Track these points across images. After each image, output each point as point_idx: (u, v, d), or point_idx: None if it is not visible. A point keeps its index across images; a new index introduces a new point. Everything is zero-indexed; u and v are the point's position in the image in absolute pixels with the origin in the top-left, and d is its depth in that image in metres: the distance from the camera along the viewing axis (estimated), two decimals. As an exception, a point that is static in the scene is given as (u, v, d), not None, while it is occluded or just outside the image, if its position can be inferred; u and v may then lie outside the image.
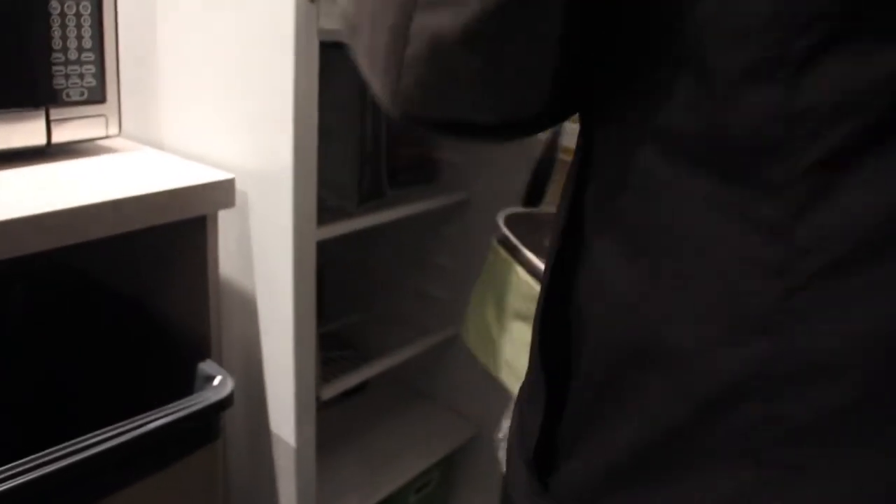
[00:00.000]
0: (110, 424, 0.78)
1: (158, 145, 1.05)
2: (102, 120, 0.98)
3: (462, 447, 1.46)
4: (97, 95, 0.96)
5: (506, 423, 1.30)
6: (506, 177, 1.32)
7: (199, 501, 0.92)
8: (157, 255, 1.00)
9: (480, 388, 1.45)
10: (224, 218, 0.97)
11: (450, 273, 1.43)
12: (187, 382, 0.95)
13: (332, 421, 1.41)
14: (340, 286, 1.49)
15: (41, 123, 0.92)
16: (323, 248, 0.98)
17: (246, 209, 0.98)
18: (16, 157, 0.91)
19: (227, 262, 1.01)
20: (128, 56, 0.99)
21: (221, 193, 0.93)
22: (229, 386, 0.91)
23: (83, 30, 0.93)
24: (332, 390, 1.20)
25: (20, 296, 1.04)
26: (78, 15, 0.92)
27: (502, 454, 1.33)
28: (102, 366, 1.00)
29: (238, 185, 0.94)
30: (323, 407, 1.14)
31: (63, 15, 0.90)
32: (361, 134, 1.17)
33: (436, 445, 1.43)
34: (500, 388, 1.40)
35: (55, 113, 0.93)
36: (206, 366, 0.94)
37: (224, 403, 0.90)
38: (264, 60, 0.89)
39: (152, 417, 0.83)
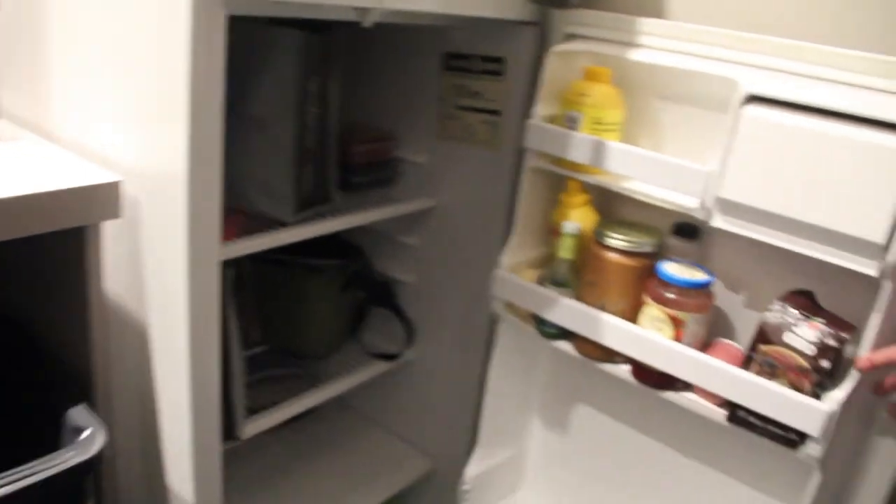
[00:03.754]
0: None
1: (46, 133, 0.87)
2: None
3: (415, 484, 1.29)
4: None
5: (472, 470, 1.13)
6: (472, 182, 1.14)
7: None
8: (24, 275, 0.82)
9: (438, 419, 1.28)
10: (111, 230, 0.79)
11: (410, 290, 1.25)
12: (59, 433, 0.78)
13: (270, 451, 1.24)
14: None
15: None
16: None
17: (137, 219, 0.80)
18: None
19: (117, 283, 0.83)
20: (9, 19, 0.81)
21: (105, 200, 0.75)
22: (98, 441, 0.74)
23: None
24: (258, 426, 1.03)
25: None
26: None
27: (466, 504, 1.16)
28: None
29: (129, 190, 0.76)
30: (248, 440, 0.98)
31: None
32: (300, 127, 0.99)
33: (385, 482, 1.25)
34: (460, 420, 1.24)
35: None
36: (77, 413, 0.77)
37: (91, 463, 0.72)
38: (153, 34, 0.71)
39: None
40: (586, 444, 1.12)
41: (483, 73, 1.10)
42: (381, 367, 1.23)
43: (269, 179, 0.99)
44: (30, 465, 0.69)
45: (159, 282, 0.79)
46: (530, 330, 1.02)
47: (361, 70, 1.20)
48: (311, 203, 1.03)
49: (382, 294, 1.25)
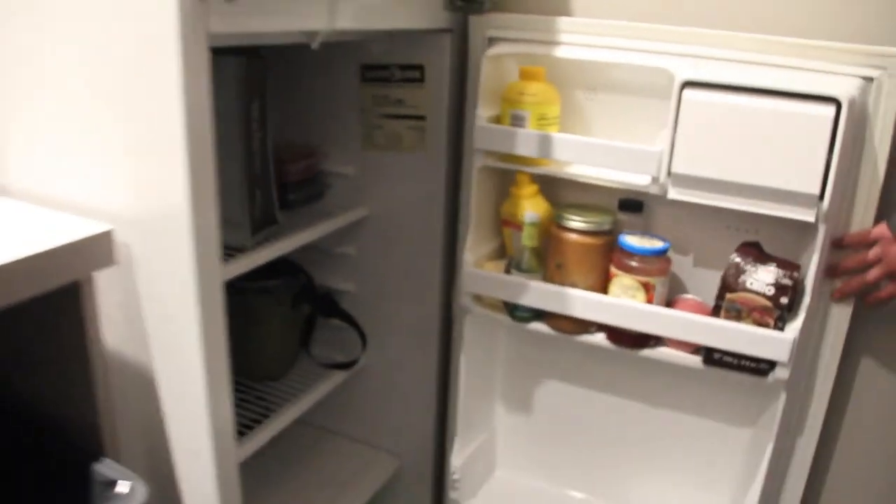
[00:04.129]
0: None
1: (4, 191, 0.80)
2: None
3: (386, 484, 1.31)
4: None
5: (456, 460, 1.18)
6: (404, 188, 1.17)
7: None
8: (20, 338, 0.75)
9: (398, 418, 1.31)
10: (102, 280, 0.75)
11: (350, 298, 1.26)
12: (82, 492, 0.73)
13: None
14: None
15: None
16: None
17: (129, 264, 0.76)
18: None
19: (112, 332, 0.78)
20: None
21: (98, 250, 0.71)
22: (141, 493, 0.70)
23: None
24: (246, 451, 1.01)
25: None
26: None
27: (455, 494, 1.20)
28: None
29: (118, 236, 0.72)
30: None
31: None
32: (248, 152, 0.97)
33: (358, 488, 1.26)
34: (420, 415, 1.28)
35: None
36: (105, 467, 0.72)
37: (138, 518, 0.69)
38: (143, 75, 0.68)
39: None
40: (551, 416, 1.21)
41: (403, 81, 1.14)
42: (339, 376, 1.23)
43: (223, 207, 0.96)
44: None
45: (163, 319, 0.77)
46: (494, 319, 1.08)
47: (282, 88, 1.18)
48: (262, 226, 1.02)
49: (329, 306, 1.25)
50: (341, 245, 1.24)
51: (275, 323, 1.16)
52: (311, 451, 1.34)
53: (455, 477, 1.17)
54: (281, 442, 1.30)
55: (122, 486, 0.71)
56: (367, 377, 1.29)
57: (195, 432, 0.79)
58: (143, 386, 0.80)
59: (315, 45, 0.88)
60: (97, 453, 0.74)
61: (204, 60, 0.67)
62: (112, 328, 0.79)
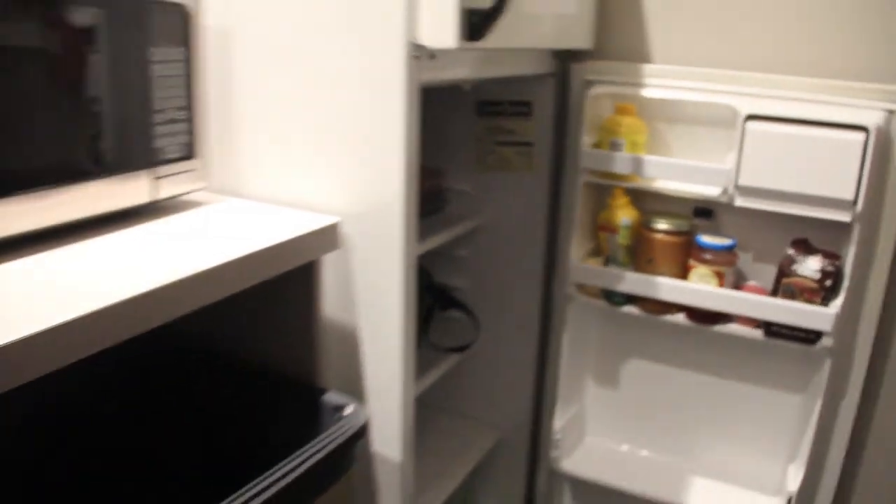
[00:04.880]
0: (259, 470, 0.79)
1: (237, 194, 1.08)
2: (194, 175, 1.01)
3: (486, 455, 1.56)
4: (189, 152, 0.99)
5: (557, 423, 1.43)
6: (513, 201, 1.45)
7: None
8: (268, 305, 1.03)
9: (500, 395, 1.57)
10: (326, 259, 1.03)
11: (462, 294, 1.53)
12: (312, 418, 0.99)
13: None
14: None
15: (145, 182, 0.94)
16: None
17: (347, 248, 1.04)
18: (123, 216, 0.92)
19: (328, 300, 1.06)
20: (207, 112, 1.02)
21: (328, 238, 0.99)
22: (363, 414, 0.97)
23: (178, 91, 0.96)
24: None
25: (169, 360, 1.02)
26: (174, 77, 0.95)
27: (556, 453, 1.46)
28: (234, 417, 1.02)
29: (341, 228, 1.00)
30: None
31: (162, 78, 0.93)
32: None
33: (463, 458, 1.51)
34: (520, 392, 1.53)
35: (159, 171, 0.95)
36: (332, 396, 0.99)
37: (362, 431, 0.95)
38: (373, 110, 0.96)
39: (306, 455, 0.85)
40: (633, 389, 1.47)
41: (513, 115, 1.42)
42: (453, 359, 1.49)
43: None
44: (324, 436, 0.89)
45: (370, 288, 1.03)
46: (591, 305, 1.35)
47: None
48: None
49: (447, 298, 1.52)
50: (457, 249, 1.52)
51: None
52: (422, 426, 1.59)
53: (557, 437, 1.42)
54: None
55: (349, 409, 0.97)
56: (474, 360, 1.56)
57: (389, 374, 1.06)
58: (349, 340, 1.08)
59: (466, 87, 1.16)
60: (322, 389, 1.01)
61: (416, 100, 0.96)
62: (328, 297, 1.06)
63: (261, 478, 0.81)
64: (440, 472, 1.45)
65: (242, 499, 0.77)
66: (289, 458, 0.84)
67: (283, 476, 0.83)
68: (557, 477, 1.54)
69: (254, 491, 0.79)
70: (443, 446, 1.54)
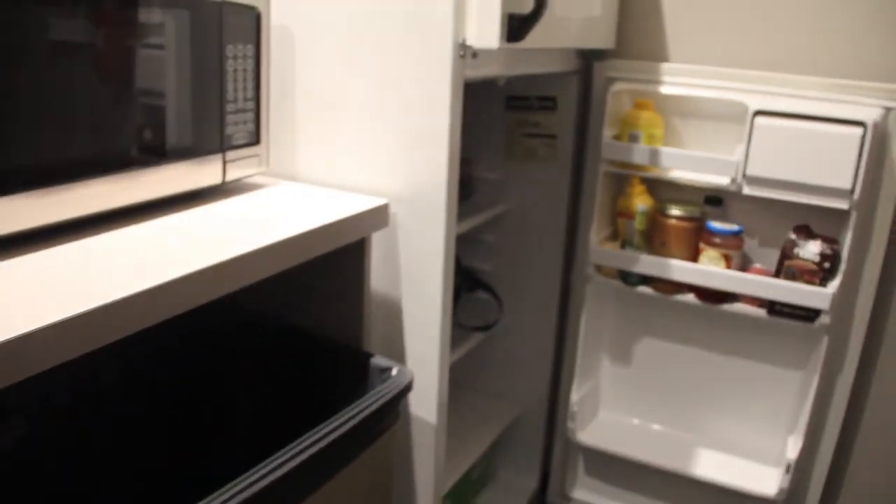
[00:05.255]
0: (318, 422, 0.89)
1: (292, 177, 1.20)
2: (257, 159, 1.12)
3: (506, 428, 1.68)
4: (254, 138, 1.10)
5: (574, 396, 1.55)
6: (538, 189, 1.56)
7: (387, 471, 1.08)
8: (322, 278, 1.15)
9: (520, 372, 1.68)
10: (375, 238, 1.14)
11: (487, 276, 1.65)
12: (361, 381, 1.11)
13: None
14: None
15: (219, 165, 1.05)
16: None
17: (394, 227, 1.15)
18: (200, 195, 1.04)
19: (375, 273, 1.18)
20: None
21: (378, 217, 1.10)
22: (408, 374, 1.08)
23: (247, 84, 1.08)
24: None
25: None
26: (244, 71, 1.07)
27: (572, 424, 1.57)
28: (294, 378, 1.13)
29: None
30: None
31: (235, 72, 1.05)
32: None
33: (485, 431, 1.62)
34: (540, 369, 1.65)
35: (228, 155, 1.07)
36: (378, 361, 1.11)
37: (408, 388, 1.07)
38: (423, 103, 1.07)
39: (359, 409, 0.96)
40: (645, 366, 1.58)
41: (539, 109, 1.54)
42: (478, 337, 1.61)
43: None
44: (374, 392, 1.00)
45: (414, 262, 1.14)
46: (608, 285, 1.46)
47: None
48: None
49: (474, 279, 1.64)
50: (484, 234, 1.64)
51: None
52: (448, 401, 1.71)
53: (574, 409, 1.54)
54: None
55: (394, 371, 1.09)
56: (496, 339, 1.67)
57: (428, 343, 1.17)
58: (394, 311, 1.19)
59: (501, 83, 1.28)
60: (370, 354, 1.13)
61: (460, 94, 1.07)
62: (376, 271, 1.18)
63: (321, 426, 0.92)
64: (464, 443, 1.56)
65: (306, 444, 0.89)
66: (345, 411, 0.95)
67: (340, 426, 0.94)
68: (573, 448, 1.65)
69: (314, 438, 0.90)
70: (466, 420, 1.65)
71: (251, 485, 0.77)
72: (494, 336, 1.66)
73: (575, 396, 1.54)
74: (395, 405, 1.06)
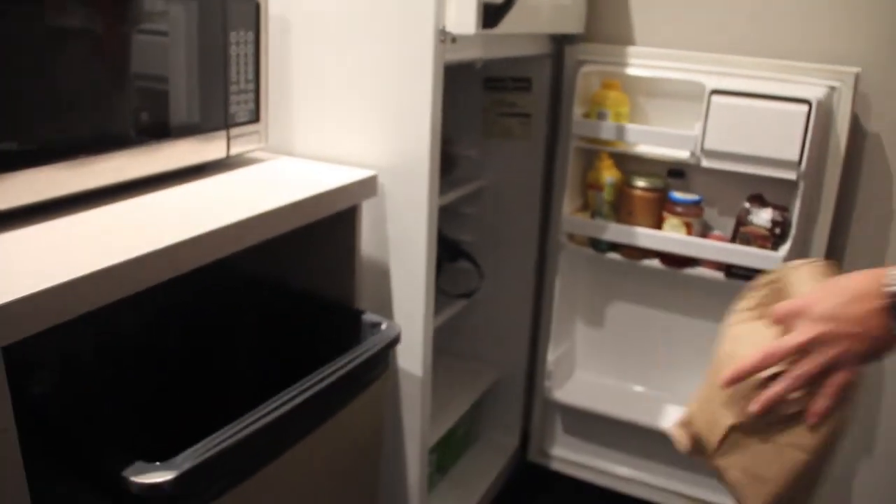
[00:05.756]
0: (314, 370, 0.99)
1: (288, 152, 1.31)
2: (258, 136, 1.23)
3: (486, 390, 1.80)
4: (254, 116, 1.21)
5: (551, 357, 1.67)
6: (514, 165, 1.67)
7: (378, 415, 1.19)
8: (317, 241, 1.25)
9: (499, 336, 1.80)
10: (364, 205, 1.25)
11: (469, 247, 1.76)
12: (353, 335, 1.22)
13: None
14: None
15: (224, 141, 1.16)
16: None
17: (382, 195, 1.26)
18: (207, 168, 1.14)
19: (364, 238, 1.28)
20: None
21: (368, 187, 1.21)
22: (397, 328, 1.19)
23: (248, 67, 1.18)
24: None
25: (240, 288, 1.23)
26: (246, 56, 1.17)
27: (549, 384, 1.69)
28: (291, 332, 1.24)
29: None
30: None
31: (237, 56, 1.15)
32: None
33: (467, 392, 1.73)
34: (517, 334, 1.77)
35: (231, 132, 1.17)
36: (369, 317, 1.22)
37: (396, 340, 1.17)
38: (407, 82, 1.18)
39: (353, 356, 1.06)
40: (617, 328, 1.71)
41: (515, 90, 1.65)
42: (460, 304, 1.72)
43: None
44: (366, 343, 1.11)
45: (400, 228, 1.24)
46: (580, 252, 1.58)
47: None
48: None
49: (455, 250, 1.75)
50: (464, 207, 1.74)
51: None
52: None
53: (550, 369, 1.66)
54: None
55: (384, 325, 1.20)
56: (477, 305, 1.78)
57: (414, 301, 1.29)
58: (382, 273, 1.30)
59: (478, 66, 1.39)
60: (361, 311, 1.24)
61: (441, 76, 1.18)
62: (366, 236, 1.29)
63: (321, 370, 1.03)
64: (448, 402, 1.68)
65: (309, 384, 0.99)
66: (341, 357, 1.06)
67: (338, 370, 1.04)
68: (551, 407, 1.78)
69: (316, 380, 1.01)
70: (450, 382, 1.75)
71: (261, 417, 0.87)
72: (475, 303, 1.77)
73: (551, 357, 1.67)
74: (386, 355, 1.17)
